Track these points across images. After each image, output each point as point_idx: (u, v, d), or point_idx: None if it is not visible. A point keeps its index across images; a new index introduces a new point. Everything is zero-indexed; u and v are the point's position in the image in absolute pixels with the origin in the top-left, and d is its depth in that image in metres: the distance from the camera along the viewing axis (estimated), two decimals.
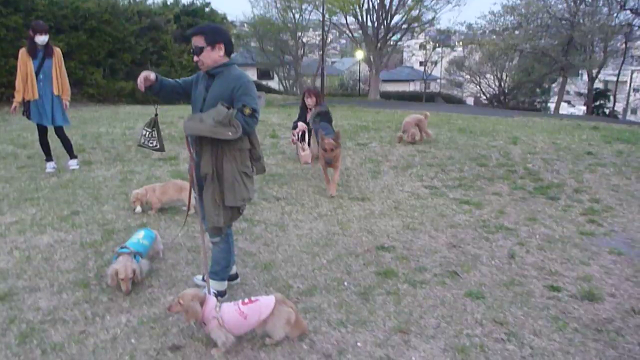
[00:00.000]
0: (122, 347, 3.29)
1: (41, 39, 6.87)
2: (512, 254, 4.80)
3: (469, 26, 49.20)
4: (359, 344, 3.33)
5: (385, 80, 46.84)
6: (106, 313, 3.69)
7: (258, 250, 4.82)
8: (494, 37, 39.41)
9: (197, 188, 3.76)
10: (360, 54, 40.81)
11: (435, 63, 50.25)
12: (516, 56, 38.58)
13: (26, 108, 7.11)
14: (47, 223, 5.43)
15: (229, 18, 29.31)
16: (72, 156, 7.71)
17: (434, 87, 52.63)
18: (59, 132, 7.42)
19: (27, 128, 11.11)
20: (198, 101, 3.68)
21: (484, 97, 45.07)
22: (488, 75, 43.94)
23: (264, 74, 46.18)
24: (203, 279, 4.08)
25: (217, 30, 3.65)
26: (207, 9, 24.17)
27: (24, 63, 6.93)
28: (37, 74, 6.96)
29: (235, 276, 4.12)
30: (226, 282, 3.90)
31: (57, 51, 7.18)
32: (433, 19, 38.53)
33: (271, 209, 5.98)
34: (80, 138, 9.82)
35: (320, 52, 36.26)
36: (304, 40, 43.97)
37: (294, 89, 42.51)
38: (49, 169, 7.48)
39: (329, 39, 43.40)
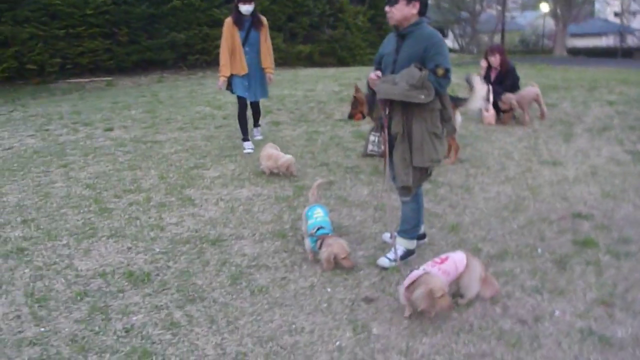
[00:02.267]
0: (319, 294, 3.52)
1: (245, 8, 6.42)
2: None
3: None
4: (557, 312, 3.19)
5: (572, 35, 42.92)
6: (303, 262, 3.95)
7: (444, 211, 4.80)
8: None
9: (388, 147, 3.81)
10: (545, 7, 37.74)
11: (634, 14, 44.72)
12: None
13: (229, 81, 6.75)
14: (245, 178, 5.92)
15: None
16: (257, 124, 7.51)
17: (631, 41, 46.94)
18: (255, 104, 7.20)
19: (220, 91, 12.10)
20: (388, 64, 3.69)
21: None
22: None
23: (439, 32, 44.92)
24: (391, 237, 4.18)
25: None
26: None
27: (230, 34, 6.51)
28: (242, 45, 6.56)
29: (423, 236, 4.15)
30: (415, 241, 3.95)
31: (265, 21, 6.73)
32: None
33: (455, 170, 5.88)
34: (267, 100, 10.42)
35: (499, 7, 34.29)
36: None
37: (471, 47, 40.81)
38: (248, 149, 6.97)
39: None
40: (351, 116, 6.31)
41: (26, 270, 3.95)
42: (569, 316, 3.15)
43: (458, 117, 5.99)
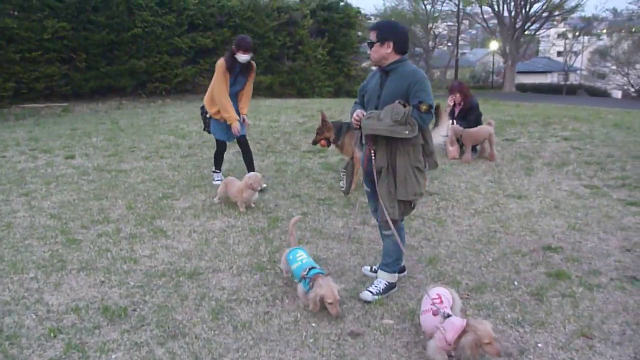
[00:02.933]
0: (304, 329, 3.48)
1: (244, 58, 6.12)
2: None
3: (615, 11, 45.65)
4: (539, 345, 3.25)
5: (519, 72, 44.67)
6: (284, 296, 3.91)
7: (419, 244, 4.86)
8: None
9: (368, 182, 3.86)
10: (494, 45, 39.32)
11: (576, 53, 47.08)
12: None
13: (207, 123, 6.58)
14: (216, 209, 5.85)
15: (363, 12, 29.34)
16: (253, 169, 6.61)
17: (573, 79, 49.28)
18: (242, 140, 6.62)
19: (182, 120, 12.03)
20: (372, 98, 3.77)
21: (633, 90, 41.36)
22: (638, 66, 40.19)
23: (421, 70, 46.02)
24: (371, 270, 4.20)
25: (389, 28, 3.72)
26: (342, 3, 24.46)
27: (225, 79, 6.18)
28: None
29: (403, 269, 4.18)
30: (397, 275, 3.97)
31: (254, 66, 6.44)
32: (577, 5, 36.15)
33: (426, 203, 5.97)
34: None
35: (449, 44, 35.44)
36: (435, 31, 43.23)
37: None
38: (217, 180, 6.79)
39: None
40: (315, 142, 6.48)
41: None
42: (552, 348, 3.22)
43: None
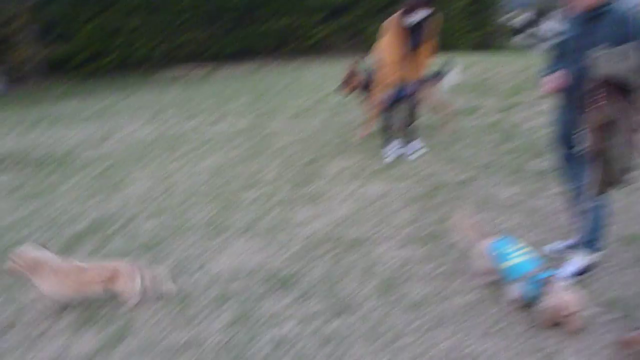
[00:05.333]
0: (489, 313, 3.08)
1: (417, 16, 5.19)
2: None
3: None
4: None
5: None
6: (456, 275, 3.49)
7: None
8: None
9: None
10: None
11: None
12: None
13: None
14: (368, 174, 5.49)
15: None
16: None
17: None
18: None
19: (322, 80, 11.72)
20: (568, 53, 3.17)
21: None
22: None
23: None
24: (559, 249, 3.63)
25: None
26: None
27: (397, 40, 5.35)
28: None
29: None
30: (596, 255, 3.37)
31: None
32: None
33: None
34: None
35: None
36: None
37: None
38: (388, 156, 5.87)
39: None
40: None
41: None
42: None
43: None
